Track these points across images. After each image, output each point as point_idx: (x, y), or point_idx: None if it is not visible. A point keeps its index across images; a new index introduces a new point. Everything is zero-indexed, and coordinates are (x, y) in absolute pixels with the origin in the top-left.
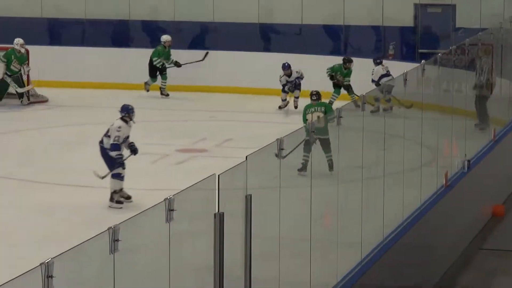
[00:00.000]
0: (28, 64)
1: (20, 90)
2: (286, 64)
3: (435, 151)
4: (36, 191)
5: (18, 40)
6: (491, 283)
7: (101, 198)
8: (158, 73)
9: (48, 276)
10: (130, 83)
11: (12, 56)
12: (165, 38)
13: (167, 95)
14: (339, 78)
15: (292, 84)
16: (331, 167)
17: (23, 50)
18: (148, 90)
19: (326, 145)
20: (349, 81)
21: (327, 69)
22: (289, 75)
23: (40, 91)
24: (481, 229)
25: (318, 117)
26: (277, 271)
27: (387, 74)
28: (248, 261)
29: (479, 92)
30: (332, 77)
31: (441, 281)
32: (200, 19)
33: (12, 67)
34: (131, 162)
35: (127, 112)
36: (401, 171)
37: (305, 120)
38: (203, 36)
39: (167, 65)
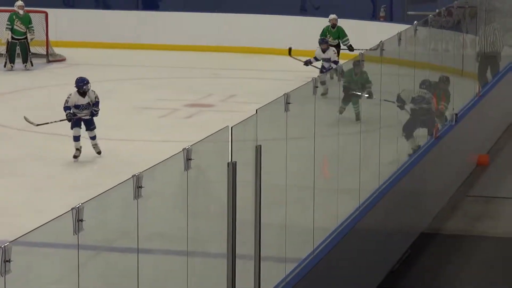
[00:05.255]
0: (31, 30)
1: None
2: (326, 39)
3: None
4: (56, 143)
5: (17, 3)
6: (477, 226)
7: (116, 149)
8: None
9: (79, 220)
10: (143, 43)
11: (14, 16)
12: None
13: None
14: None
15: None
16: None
17: (21, 12)
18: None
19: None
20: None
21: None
22: (324, 51)
23: (58, 50)
24: (467, 177)
25: None
26: (284, 216)
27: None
28: (258, 207)
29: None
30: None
31: (431, 225)
32: None
33: (15, 27)
34: (143, 115)
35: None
36: (395, 124)
37: None
38: None
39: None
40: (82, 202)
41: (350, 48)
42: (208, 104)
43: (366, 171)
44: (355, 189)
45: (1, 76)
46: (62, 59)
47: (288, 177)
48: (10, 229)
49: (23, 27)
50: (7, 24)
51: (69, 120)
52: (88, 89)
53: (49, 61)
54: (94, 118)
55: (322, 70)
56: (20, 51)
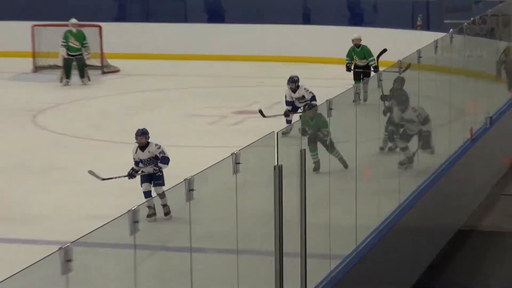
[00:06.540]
0: (87, 47)
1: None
2: (295, 78)
3: (461, 109)
4: (110, 150)
5: (71, 20)
6: None
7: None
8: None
9: (135, 221)
10: (189, 53)
11: (68, 34)
12: None
13: None
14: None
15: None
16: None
17: (74, 30)
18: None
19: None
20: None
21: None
22: (294, 91)
23: (112, 62)
24: (502, 177)
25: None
26: (328, 216)
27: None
28: (303, 207)
29: None
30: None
31: (468, 222)
32: None
33: (70, 44)
34: (193, 122)
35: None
36: (433, 127)
37: None
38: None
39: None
40: (138, 205)
41: (375, 70)
42: (254, 111)
43: (405, 172)
44: (395, 190)
45: (58, 89)
46: (116, 70)
47: (331, 179)
48: (69, 233)
49: (78, 43)
50: (62, 42)
51: (129, 177)
52: (145, 142)
53: (104, 73)
54: (164, 172)
55: (288, 113)
56: (77, 66)
